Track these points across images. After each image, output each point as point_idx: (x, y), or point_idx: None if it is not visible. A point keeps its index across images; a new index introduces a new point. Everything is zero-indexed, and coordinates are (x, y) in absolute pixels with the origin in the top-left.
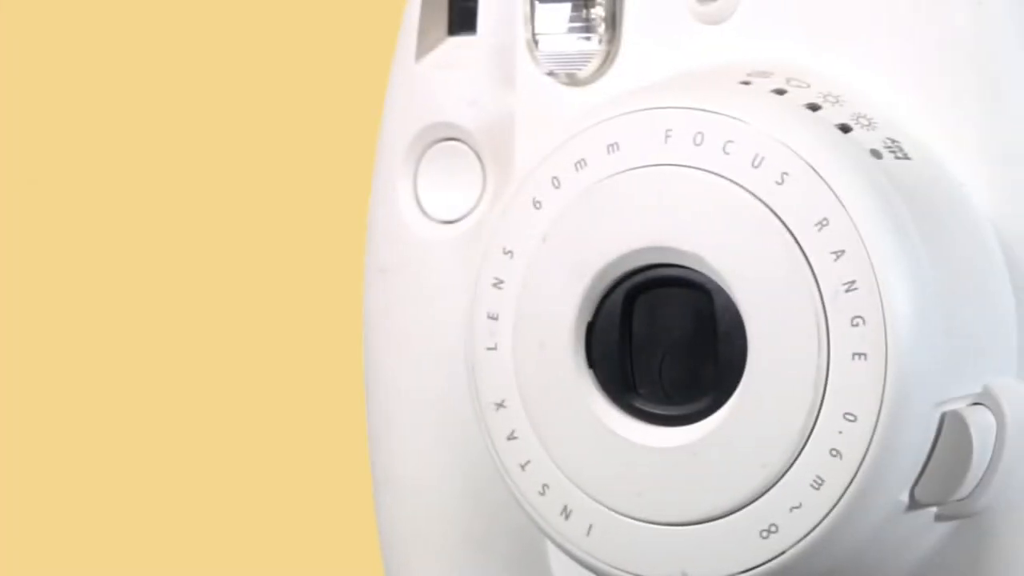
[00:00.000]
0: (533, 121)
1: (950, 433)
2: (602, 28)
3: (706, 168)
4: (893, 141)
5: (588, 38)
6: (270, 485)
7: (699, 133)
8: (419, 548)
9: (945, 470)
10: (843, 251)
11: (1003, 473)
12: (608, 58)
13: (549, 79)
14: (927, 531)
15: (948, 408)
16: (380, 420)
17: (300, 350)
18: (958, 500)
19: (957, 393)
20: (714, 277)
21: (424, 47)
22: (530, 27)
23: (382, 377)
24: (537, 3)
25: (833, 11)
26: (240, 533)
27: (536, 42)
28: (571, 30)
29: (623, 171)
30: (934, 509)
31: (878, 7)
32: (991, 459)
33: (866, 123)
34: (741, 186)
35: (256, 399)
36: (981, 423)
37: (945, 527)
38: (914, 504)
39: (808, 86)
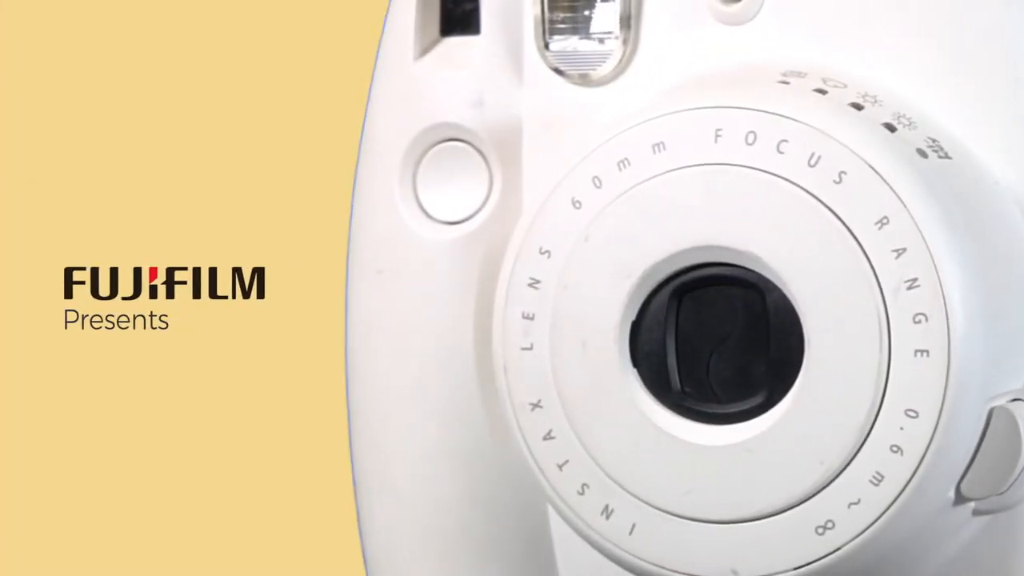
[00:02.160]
0: (543, 121)
1: (998, 428)
2: (623, 33)
3: (760, 167)
4: (934, 140)
5: (603, 40)
6: (246, 489)
7: (751, 132)
8: (419, 554)
9: (992, 464)
10: (904, 249)
11: None
12: (625, 58)
13: (560, 79)
14: (965, 525)
15: (995, 404)
16: (374, 424)
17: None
18: (999, 494)
19: (1004, 389)
20: (769, 276)
21: (421, 48)
22: (541, 27)
23: (379, 381)
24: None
25: (860, 13)
26: (221, 534)
27: (547, 43)
28: (589, 34)
29: (671, 170)
30: (973, 504)
31: (905, 8)
32: None
33: (907, 123)
34: (798, 185)
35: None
36: None
37: (980, 521)
38: (960, 499)
39: (846, 86)
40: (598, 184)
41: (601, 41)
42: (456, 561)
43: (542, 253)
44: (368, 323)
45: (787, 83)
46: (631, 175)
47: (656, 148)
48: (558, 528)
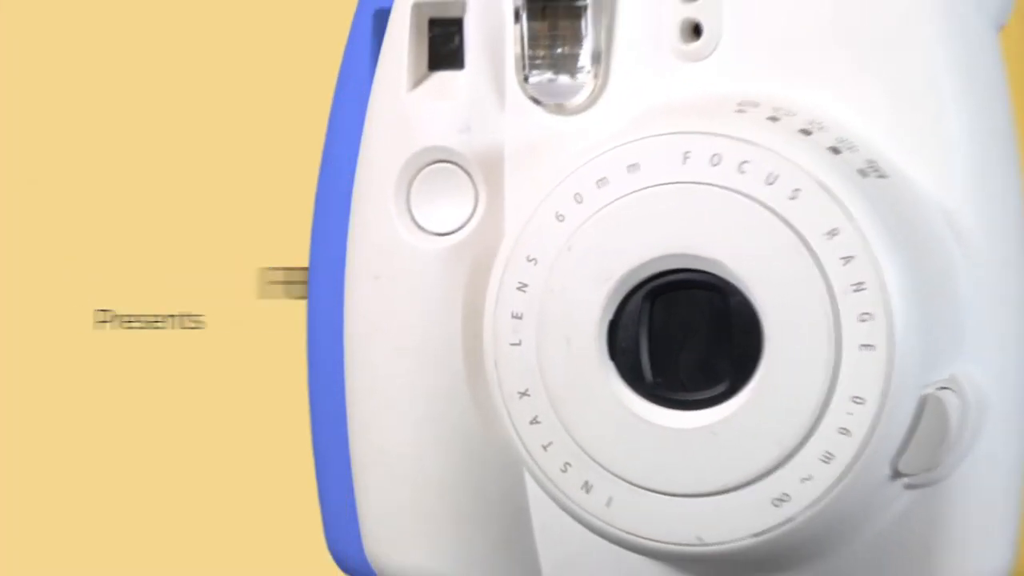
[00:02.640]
0: (522, 145)
1: (930, 412)
2: (593, 69)
3: (724, 185)
4: (872, 162)
5: (576, 74)
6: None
7: (716, 155)
8: (408, 524)
9: (924, 444)
10: (852, 257)
11: (964, 448)
12: (596, 90)
13: (538, 108)
14: (898, 497)
15: (927, 391)
16: (371, 410)
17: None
18: (928, 471)
19: (934, 379)
20: (732, 280)
21: (413, 81)
22: (522, 63)
23: (376, 372)
24: (526, 51)
25: (805, 51)
26: (254, 534)
27: (527, 77)
28: (564, 70)
29: (644, 188)
30: (906, 479)
31: (845, 46)
32: (956, 436)
33: (849, 146)
34: (757, 200)
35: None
36: (952, 401)
37: (911, 494)
38: (895, 475)
39: (795, 115)
40: (579, 200)
41: (574, 75)
42: (442, 531)
43: (529, 261)
44: (367, 322)
45: (744, 112)
46: (609, 192)
47: (631, 168)
48: (536, 502)
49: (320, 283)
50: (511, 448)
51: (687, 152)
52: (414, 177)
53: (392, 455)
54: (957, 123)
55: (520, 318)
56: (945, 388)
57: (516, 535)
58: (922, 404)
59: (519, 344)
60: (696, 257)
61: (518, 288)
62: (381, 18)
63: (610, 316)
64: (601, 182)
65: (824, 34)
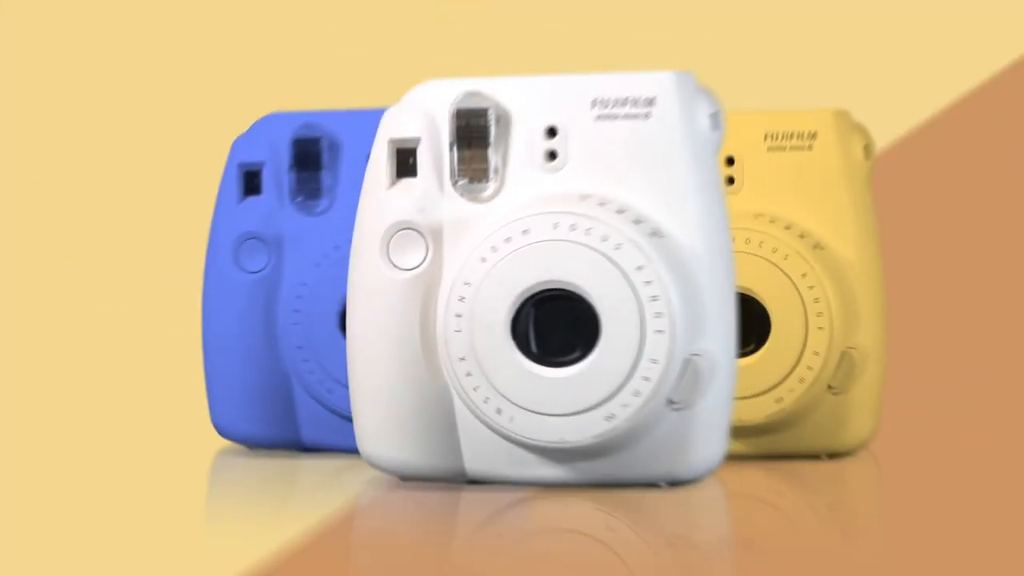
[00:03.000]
0: (454, 220)
1: (691, 369)
2: (495, 176)
3: (578, 241)
4: (656, 228)
5: (488, 183)
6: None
7: (572, 224)
8: (384, 428)
9: (686, 386)
10: (651, 281)
11: (704, 389)
12: (497, 189)
13: (463, 199)
14: (668, 416)
15: (688, 357)
16: (367, 364)
17: None
18: (685, 401)
19: (691, 350)
20: (582, 294)
21: (388, 184)
22: (451, 176)
23: (370, 343)
24: (456, 165)
25: (615, 166)
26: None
27: (455, 182)
28: (478, 177)
29: (532, 243)
30: (674, 405)
31: (637, 165)
32: (702, 382)
33: (643, 219)
34: (597, 250)
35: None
36: (702, 362)
37: (676, 414)
38: (669, 403)
39: (612, 202)
40: (495, 249)
41: (483, 181)
42: (404, 435)
43: (465, 284)
44: (363, 319)
45: (584, 200)
46: (512, 245)
47: (524, 232)
48: (461, 419)
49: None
50: (447, 388)
51: (556, 223)
52: (391, 237)
53: (377, 390)
54: (694, 205)
55: (460, 316)
56: (697, 355)
57: (448, 439)
58: (686, 364)
59: (460, 331)
60: (562, 281)
61: (459, 300)
62: (243, 168)
63: (512, 314)
64: (507, 239)
65: (625, 158)
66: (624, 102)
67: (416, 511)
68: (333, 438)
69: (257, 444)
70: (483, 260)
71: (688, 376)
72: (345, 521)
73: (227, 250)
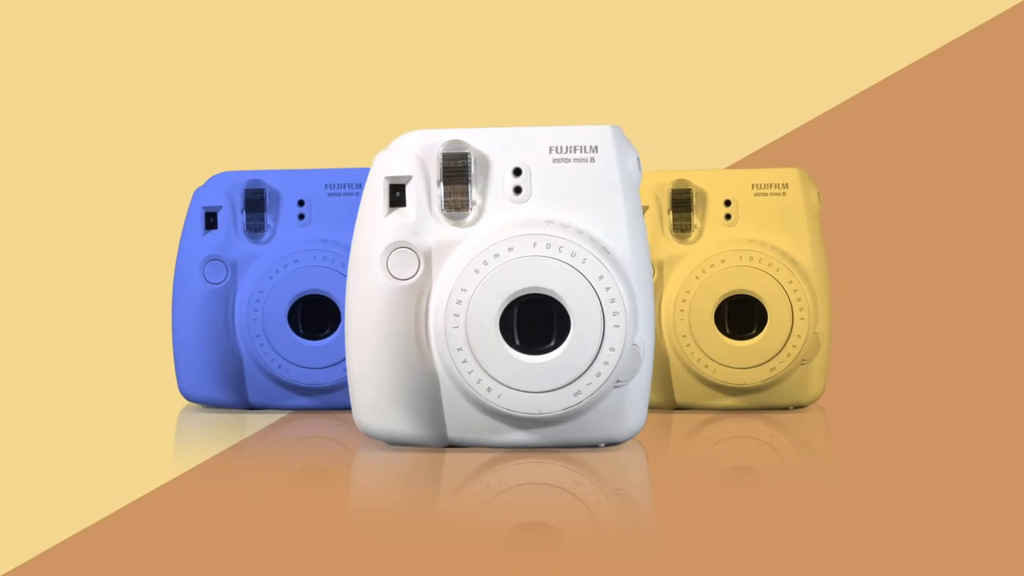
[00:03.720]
0: (442, 242)
1: (633, 355)
2: (473, 206)
3: (553, 257)
4: (605, 246)
5: (467, 212)
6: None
7: (548, 243)
8: (382, 409)
9: (627, 368)
10: (610, 287)
11: (635, 369)
12: (476, 216)
13: (448, 223)
14: (612, 391)
15: (631, 346)
16: (368, 355)
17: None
18: (626, 380)
19: (635, 340)
20: (556, 297)
21: (384, 214)
22: (440, 206)
23: (371, 339)
24: (443, 198)
25: (571, 198)
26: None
27: (442, 210)
28: (461, 207)
29: (516, 258)
30: (618, 383)
31: (589, 197)
32: (639, 365)
33: (595, 239)
34: (567, 263)
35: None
36: (638, 350)
37: (617, 390)
38: (617, 382)
39: (571, 226)
40: (485, 263)
41: (465, 210)
42: (395, 409)
43: (463, 290)
44: (366, 319)
45: (551, 223)
46: (499, 260)
47: (510, 249)
48: (446, 396)
49: (179, 296)
50: (434, 372)
51: (535, 243)
52: (390, 253)
53: (376, 374)
54: (626, 227)
55: (458, 316)
56: (635, 344)
57: (433, 411)
58: (631, 351)
59: (457, 327)
60: (541, 287)
61: (457, 302)
62: (205, 210)
63: (500, 314)
64: (495, 255)
65: (576, 192)
66: (574, 149)
67: (408, 468)
68: (275, 400)
69: (212, 405)
70: (476, 271)
71: (631, 360)
72: (343, 478)
73: (195, 268)
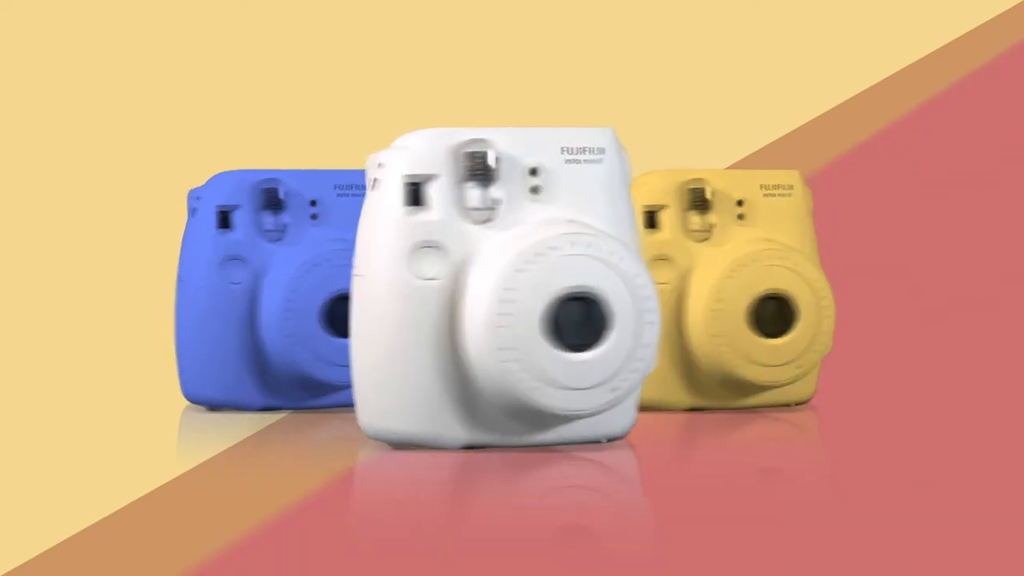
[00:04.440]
0: (463, 240)
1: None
2: (496, 205)
3: (589, 255)
4: (625, 243)
5: (490, 210)
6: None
7: (589, 242)
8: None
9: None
10: (644, 284)
11: None
12: (492, 217)
13: (470, 223)
14: None
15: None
16: (386, 352)
17: None
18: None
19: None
20: (601, 295)
21: (405, 212)
22: (466, 204)
23: (389, 347)
24: (468, 196)
25: (582, 198)
26: None
27: (470, 210)
28: (485, 205)
29: (560, 257)
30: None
31: (598, 198)
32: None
33: (614, 237)
34: (603, 260)
35: None
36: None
37: None
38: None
39: (588, 224)
40: (529, 263)
41: (488, 208)
42: (415, 407)
43: (507, 289)
44: (385, 321)
45: (573, 222)
46: (544, 258)
47: (552, 248)
48: (475, 399)
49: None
50: (461, 373)
51: (574, 241)
52: (414, 252)
53: (393, 376)
54: (628, 224)
55: (504, 315)
56: None
57: (454, 415)
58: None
59: (503, 327)
60: (585, 286)
61: (503, 301)
62: (219, 209)
63: (546, 312)
64: (536, 254)
65: (589, 192)
66: (584, 150)
67: (427, 469)
68: (290, 401)
69: (218, 406)
70: (519, 271)
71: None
72: (370, 479)
73: (210, 268)
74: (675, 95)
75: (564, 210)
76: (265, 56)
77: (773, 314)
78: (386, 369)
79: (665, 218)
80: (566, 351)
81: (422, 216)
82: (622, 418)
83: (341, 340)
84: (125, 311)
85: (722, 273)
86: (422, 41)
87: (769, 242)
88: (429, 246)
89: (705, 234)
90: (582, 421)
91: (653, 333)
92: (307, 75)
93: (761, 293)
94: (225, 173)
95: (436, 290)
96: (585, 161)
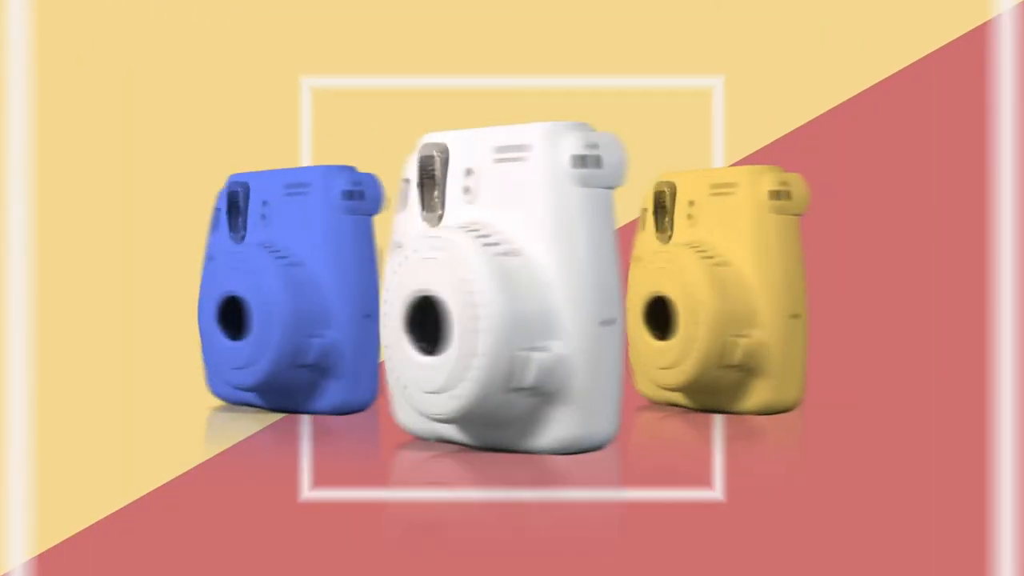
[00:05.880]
0: (423, 235)
1: (521, 362)
2: (439, 207)
3: (437, 260)
4: (514, 250)
5: (433, 212)
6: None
7: (437, 245)
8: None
9: (519, 376)
10: (479, 291)
11: (554, 378)
12: (442, 216)
13: (426, 224)
14: (525, 400)
15: (518, 353)
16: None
17: None
18: (527, 388)
19: (527, 346)
20: (439, 300)
21: (397, 213)
22: (419, 207)
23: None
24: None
25: (502, 201)
26: None
27: (422, 210)
28: (427, 207)
29: (420, 259)
30: (525, 391)
31: (519, 203)
32: (543, 372)
33: (504, 242)
34: (447, 266)
35: None
36: (537, 357)
37: (533, 399)
38: (515, 389)
39: (486, 227)
40: (400, 265)
41: (435, 211)
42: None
43: (387, 290)
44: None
45: (470, 224)
46: (407, 262)
47: (415, 251)
48: None
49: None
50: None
51: (430, 244)
52: (392, 252)
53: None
54: (550, 226)
55: (385, 314)
56: (535, 350)
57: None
58: (517, 359)
59: (385, 326)
60: (427, 290)
61: (385, 302)
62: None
63: (405, 314)
64: (405, 257)
65: (511, 191)
66: (510, 148)
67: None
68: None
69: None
70: (394, 272)
71: (518, 368)
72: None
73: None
74: (676, 96)
75: (489, 211)
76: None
77: (666, 318)
78: (387, 364)
79: (644, 221)
80: (420, 353)
81: (401, 217)
82: (549, 434)
83: (229, 340)
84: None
85: (631, 274)
86: (431, 44)
87: (681, 244)
88: (398, 246)
89: (664, 236)
90: (517, 431)
91: (486, 342)
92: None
93: (648, 295)
94: (233, 175)
95: None
96: (510, 160)
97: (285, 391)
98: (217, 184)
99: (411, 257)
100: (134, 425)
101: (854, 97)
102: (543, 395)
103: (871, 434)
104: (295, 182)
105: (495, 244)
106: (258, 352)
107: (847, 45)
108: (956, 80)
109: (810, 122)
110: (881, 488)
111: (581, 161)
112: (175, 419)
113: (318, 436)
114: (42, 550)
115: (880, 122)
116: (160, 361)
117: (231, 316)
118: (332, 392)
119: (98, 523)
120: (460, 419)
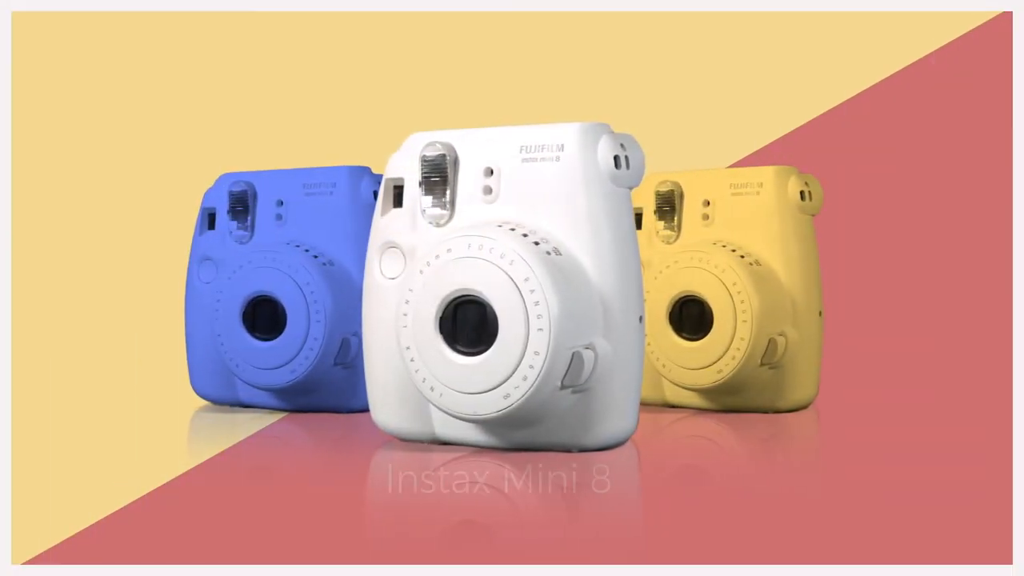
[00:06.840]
0: (422, 241)
1: (575, 359)
2: (448, 207)
3: (483, 258)
4: (556, 248)
5: (443, 212)
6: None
7: (481, 244)
8: (389, 407)
9: (575, 373)
10: (535, 290)
11: (596, 374)
12: (449, 218)
13: (427, 224)
14: (567, 397)
15: (575, 349)
16: (368, 352)
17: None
18: (578, 385)
19: (579, 343)
20: (485, 300)
21: (382, 213)
22: (420, 206)
23: (368, 342)
24: (422, 198)
25: (532, 200)
26: None
27: (424, 211)
28: (436, 207)
29: (452, 260)
30: (569, 389)
31: (551, 199)
32: (592, 369)
33: (544, 240)
34: (495, 265)
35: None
36: (588, 355)
37: (574, 396)
38: (563, 387)
39: (522, 226)
40: (428, 264)
41: (444, 208)
42: (390, 405)
43: (410, 290)
44: (367, 315)
45: (505, 223)
46: (440, 260)
47: (448, 250)
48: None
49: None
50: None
51: (469, 243)
52: (384, 252)
53: (375, 371)
54: (588, 226)
55: (406, 315)
56: (587, 348)
57: (423, 409)
58: (572, 356)
59: (406, 327)
60: (471, 289)
61: (406, 301)
62: (206, 211)
63: (439, 314)
64: (436, 256)
65: (543, 191)
66: (541, 148)
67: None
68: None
69: (219, 403)
70: (420, 272)
71: (576, 364)
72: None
73: (193, 268)
74: (677, 95)
75: (515, 211)
76: (281, 60)
77: (696, 318)
78: (371, 365)
79: (644, 221)
80: (459, 354)
81: (393, 218)
82: (592, 430)
83: (259, 341)
84: (145, 310)
85: (649, 275)
86: (425, 43)
87: (709, 244)
88: (393, 246)
89: (672, 236)
90: (544, 429)
91: (544, 341)
92: (328, 77)
93: (676, 295)
94: (223, 175)
95: (395, 289)
96: (542, 160)
97: (316, 390)
98: (197, 184)
99: (442, 257)
100: (134, 425)
101: (854, 97)
102: (583, 391)
103: (882, 429)
104: (316, 182)
105: (540, 243)
106: (298, 350)
107: (847, 45)
108: (956, 80)
109: (810, 122)
110: (901, 485)
111: (618, 162)
112: (175, 419)
113: (318, 436)
114: (28, 558)
115: (880, 122)
116: (146, 362)
117: (256, 317)
118: (364, 391)
119: (98, 523)
120: (503, 419)
